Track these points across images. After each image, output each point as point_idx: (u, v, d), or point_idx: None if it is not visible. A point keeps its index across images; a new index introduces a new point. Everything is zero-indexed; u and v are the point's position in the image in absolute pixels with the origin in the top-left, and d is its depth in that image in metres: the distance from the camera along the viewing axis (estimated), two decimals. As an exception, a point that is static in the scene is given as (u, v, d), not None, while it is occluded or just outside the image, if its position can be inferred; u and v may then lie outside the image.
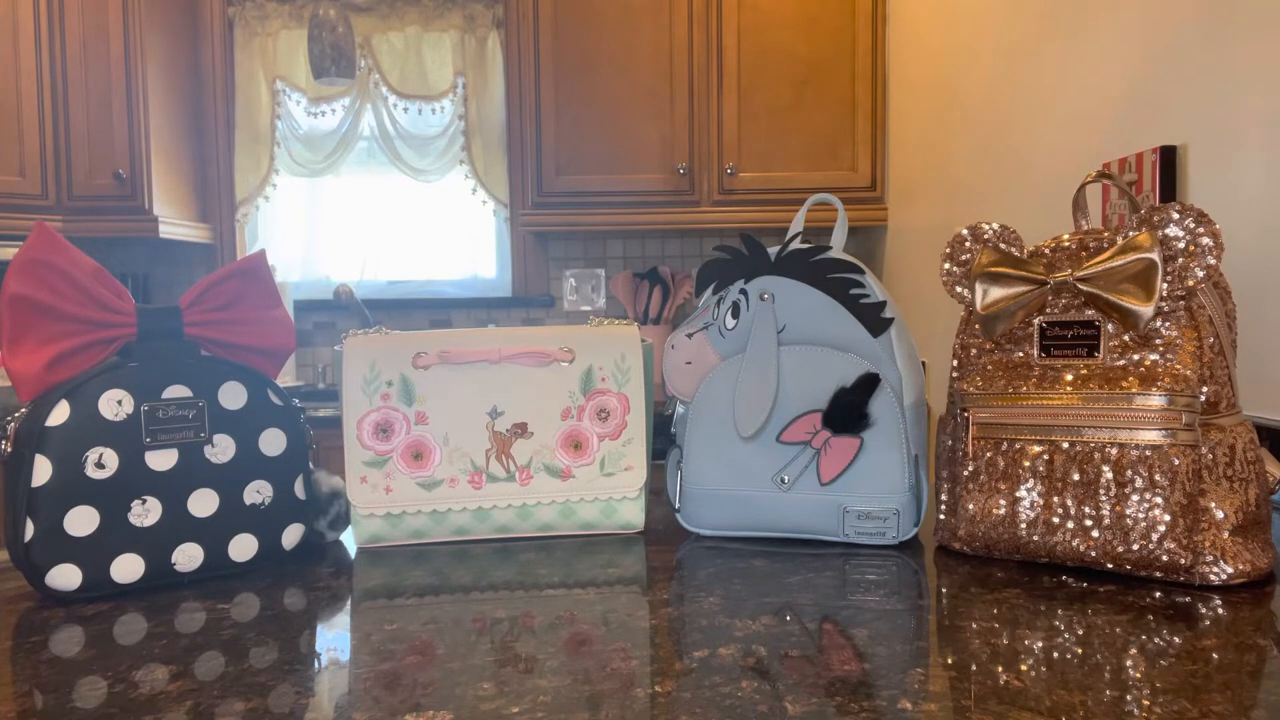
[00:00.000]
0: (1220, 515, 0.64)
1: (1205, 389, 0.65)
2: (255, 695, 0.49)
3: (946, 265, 0.77)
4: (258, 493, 0.74)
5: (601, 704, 0.47)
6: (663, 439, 0.88)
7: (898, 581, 0.68)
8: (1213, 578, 0.64)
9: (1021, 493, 0.70)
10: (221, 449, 0.72)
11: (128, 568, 0.68)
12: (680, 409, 0.83)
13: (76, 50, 2.65)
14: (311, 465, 0.80)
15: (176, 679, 0.51)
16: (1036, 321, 0.73)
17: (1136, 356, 0.68)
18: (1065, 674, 0.50)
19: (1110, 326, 0.69)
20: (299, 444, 0.77)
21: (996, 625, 0.58)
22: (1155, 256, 0.66)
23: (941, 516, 0.77)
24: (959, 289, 0.77)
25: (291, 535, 0.76)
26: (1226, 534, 0.64)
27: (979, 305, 0.73)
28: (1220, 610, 0.60)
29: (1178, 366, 0.66)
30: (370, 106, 3.03)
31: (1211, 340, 0.66)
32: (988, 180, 2.01)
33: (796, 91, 2.70)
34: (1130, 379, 0.67)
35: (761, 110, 2.70)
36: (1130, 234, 0.68)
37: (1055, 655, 0.52)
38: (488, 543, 0.81)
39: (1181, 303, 0.66)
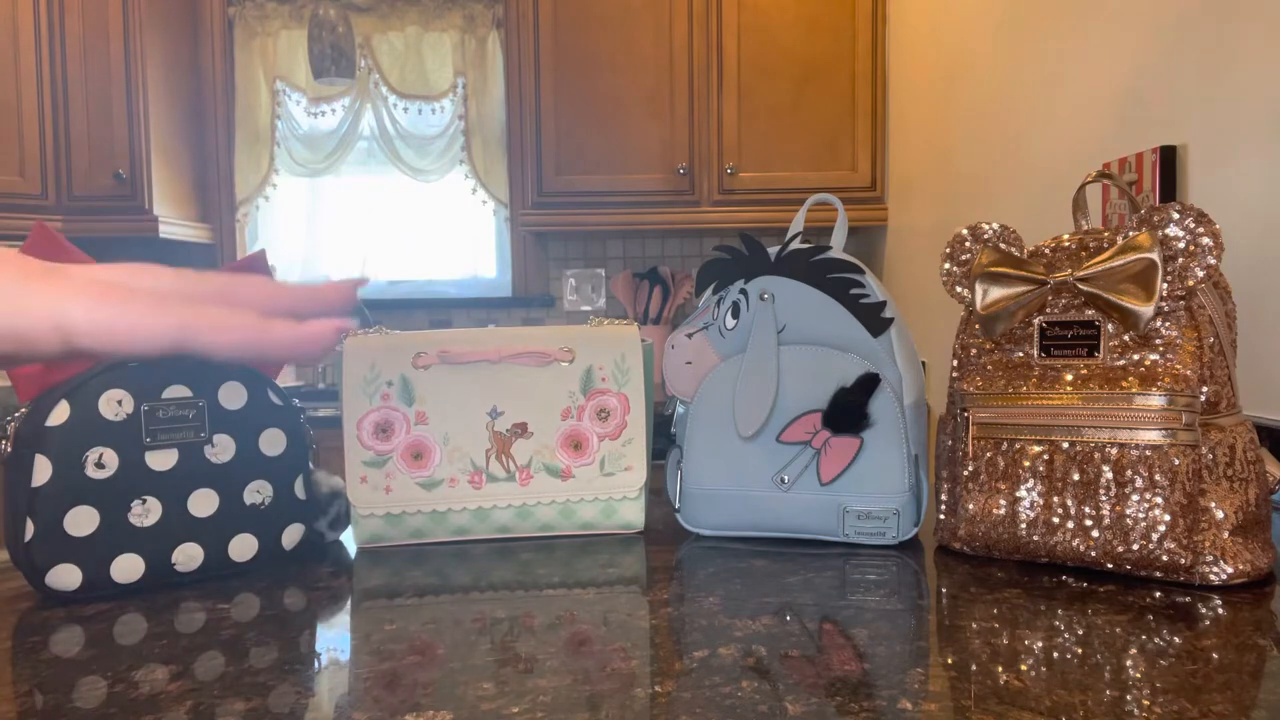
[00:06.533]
0: (1220, 515, 0.64)
1: (1205, 389, 0.65)
2: (255, 695, 0.49)
3: (946, 265, 0.77)
4: (258, 493, 0.74)
5: (601, 704, 0.47)
6: (663, 439, 0.88)
7: (898, 581, 0.68)
8: (1213, 578, 0.64)
9: (1021, 493, 0.70)
10: (221, 449, 0.72)
11: (128, 568, 0.68)
12: (680, 409, 0.83)
13: (76, 50, 2.65)
14: (311, 465, 0.80)
15: (176, 679, 0.51)
16: (1036, 321, 0.73)
17: (1136, 356, 0.68)
18: (1065, 674, 0.50)
19: (1110, 326, 0.69)
20: (299, 444, 0.77)
21: (996, 625, 0.58)
22: (1155, 256, 0.66)
23: (941, 516, 0.77)
24: (959, 289, 0.77)
25: (291, 535, 0.76)
26: (1226, 534, 0.64)
27: (979, 305, 0.73)
28: (1220, 610, 0.60)
29: (1178, 366, 0.66)
30: (370, 106, 3.03)
31: (1211, 340, 0.66)
32: (988, 180, 2.01)
33: (796, 91, 2.70)
34: (1130, 379, 0.67)
35: (761, 110, 2.70)
36: (1130, 234, 0.68)
37: (1055, 655, 0.52)
38: (488, 543, 0.81)
39: (1181, 303, 0.66)
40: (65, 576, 0.65)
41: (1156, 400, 0.65)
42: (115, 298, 0.32)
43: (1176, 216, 0.66)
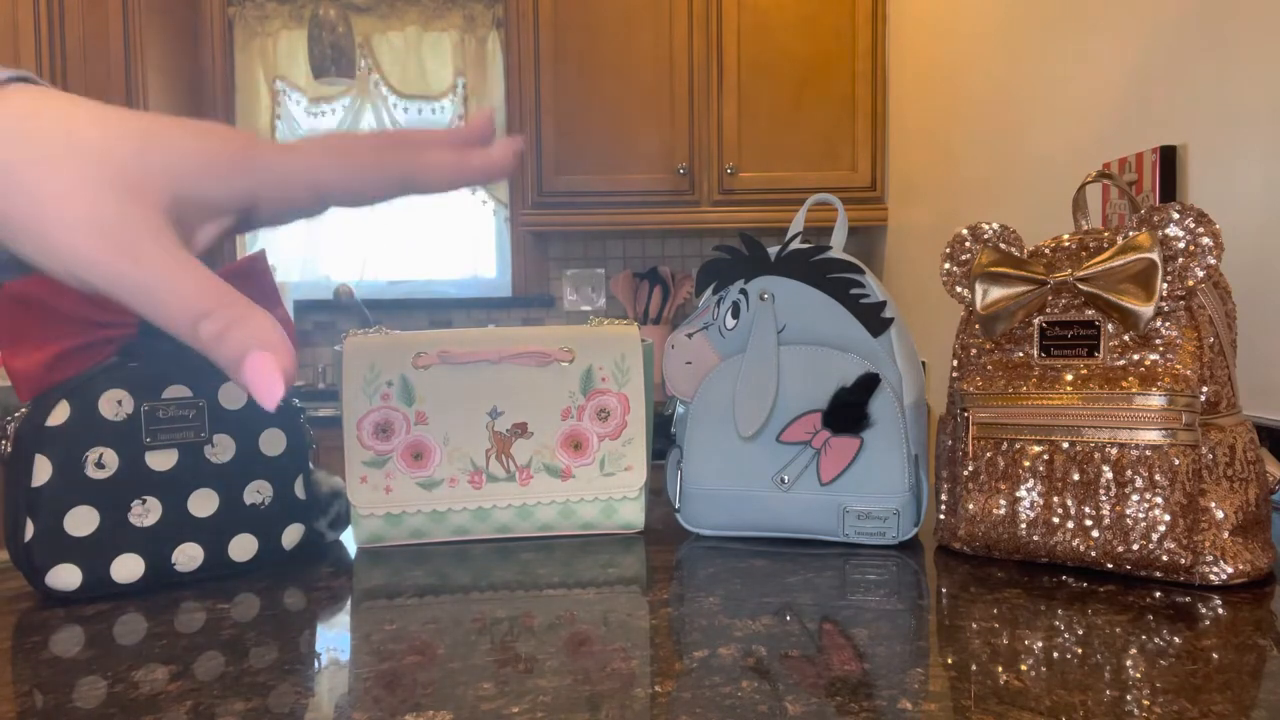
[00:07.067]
0: (1220, 515, 0.64)
1: (1205, 389, 0.65)
2: (255, 695, 0.49)
3: (946, 265, 0.77)
4: (258, 493, 0.74)
5: (601, 704, 0.47)
6: (663, 439, 0.88)
7: (898, 581, 0.68)
8: (1213, 578, 0.64)
9: (1021, 493, 0.70)
10: (222, 449, 0.72)
11: (128, 568, 0.68)
12: (680, 409, 0.83)
13: (76, 50, 2.65)
14: (311, 465, 0.80)
15: (176, 679, 0.51)
16: (1036, 321, 0.73)
17: (1136, 356, 0.68)
18: (1065, 674, 0.50)
19: (1110, 326, 0.69)
20: (299, 444, 0.77)
21: (996, 625, 0.58)
22: (1155, 256, 0.66)
23: (941, 516, 0.77)
24: (959, 289, 0.77)
25: (291, 535, 0.76)
26: (1226, 534, 0.64)
27: (979, 305, 0.73)
28: (1220, 610, 0.60)
29: (1178, 366, 0.66)
30: (370, 106, 3.04)
31: (1211, 340, 0.66)
32: (988, 180, 2.01)
33: (796, 91, 2.70)
34: (1130, 379, 0.67)
35: (761, 110, 2.70)
36: (1130, 234, 0.68)
37: (1055, 655, 0.52)
38: (488, 543, 0.81)
39: (1181, 303, 0.66)
40: (65, 576, 0.65)
41: (1156, 400, 0.65)
42: (352, 159, 0.38)
43: (1176, 216, 0.66)
